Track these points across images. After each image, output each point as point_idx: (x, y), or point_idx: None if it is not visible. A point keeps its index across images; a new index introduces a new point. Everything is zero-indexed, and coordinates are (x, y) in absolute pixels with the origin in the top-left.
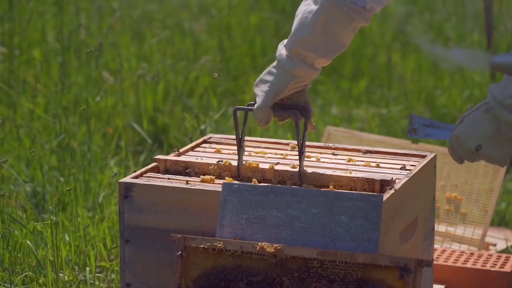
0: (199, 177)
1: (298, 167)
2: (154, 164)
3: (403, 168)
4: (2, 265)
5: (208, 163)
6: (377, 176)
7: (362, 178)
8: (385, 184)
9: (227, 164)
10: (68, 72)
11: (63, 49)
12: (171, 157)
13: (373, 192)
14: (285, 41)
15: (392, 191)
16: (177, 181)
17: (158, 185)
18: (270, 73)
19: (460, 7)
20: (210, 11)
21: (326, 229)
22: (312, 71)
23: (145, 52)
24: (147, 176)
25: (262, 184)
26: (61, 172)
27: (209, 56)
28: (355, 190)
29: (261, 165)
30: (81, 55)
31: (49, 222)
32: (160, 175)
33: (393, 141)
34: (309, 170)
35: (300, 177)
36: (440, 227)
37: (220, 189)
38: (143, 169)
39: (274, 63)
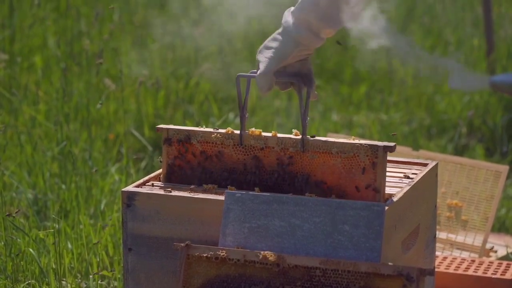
0: (202, 151)
1: (301, 134)
2: (156, 172)
3: (405, 176)
4: (5, 273)
5: (210, 131)
6: (380, 143)
7: (365, 144)
8: (388, 150)
9: (229, 132)
10: (69, 79)
11: (64, 55)
12: (174, 126)
13: (376, 158)
14: (292, 8)
15: (395, 199)
16: (180, 190)
17: (161, 194)
18: (274, 39)
19: (460, 11)
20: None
21: (328, 238)
22: (317, 40)
23: (146, 58)
24: (150, 185)
25: (264, 193)
26: (62, 179)
27: (209, 63)
28: (357, 156)
29: (264, 133)
30: (82, 61)
31: (52, 230)
32: (163, 184)
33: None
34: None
35: (303, 144)
36: (441, 234)
37: (222, 198)
38: (146, 178)
39: (279, 30)
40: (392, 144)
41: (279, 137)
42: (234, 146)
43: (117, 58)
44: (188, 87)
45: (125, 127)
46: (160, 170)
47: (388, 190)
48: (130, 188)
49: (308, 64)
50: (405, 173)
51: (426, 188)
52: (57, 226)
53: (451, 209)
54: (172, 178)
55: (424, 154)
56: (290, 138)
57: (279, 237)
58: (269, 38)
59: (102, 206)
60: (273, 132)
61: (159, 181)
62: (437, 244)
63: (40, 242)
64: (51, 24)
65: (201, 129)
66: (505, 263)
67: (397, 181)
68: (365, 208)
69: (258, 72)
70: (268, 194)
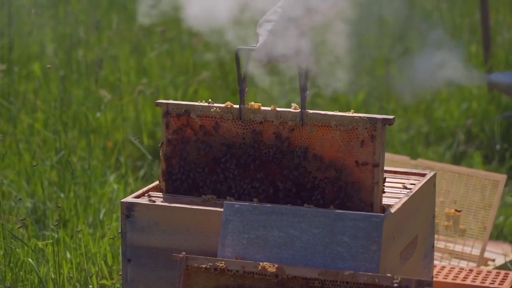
0: (202, 126)
1: (299, 108)
2: (155, 183)
3: (403, 187)
4: (4, 283)
5: (210, 106)
6: (379, 116)
7: (364, 117)
8: (387, 122)
9: (229, 106)
10: (68, 87)
11: (63, 63)
12: (173, 101)
13: (374, 131)
14: None
15: (393, 211)
16: (179, 201)
17: (160, 205)
18: (274, 12)
19: (458, 18)
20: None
21: (327, 249)
22: (315, 15)
23: (145, 66)
24: (149, 196)
25: (263, 204)
26: (61, 188)
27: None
28: (356, 129)
29: (263, 107)
30: (81, 68)
31: (51, 240)
32: (162, 194)
33: (393, 157)
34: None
35: (302, 117)
36: (439, 243)
37: (221, 209)
38: (145, 189)
39: (280, 3)
40: (391, 117)
41: (278, 111)
42: (233, 120)
43: (116, 66)
44: (186, 95)
45: (124, 135)
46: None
47: (386, 201)
48: (129, 199)
49: (306, 38)
50: (403, 183)
51: (424, 199)
52: (56, 235)
53: (449, 218)
54: (171, 154)
55: (422, 163)
56: (289, 111)
57: (278, 248)
58: (269, 12)
59: (101, 216)
60: (272, 106)
61: (158, 191)
62: (435, 253)
63: (39, 252)
64: (49, 31)
65: (200, 103)
66: (503, 272)
67: (395, 192)
68: (364, 219)
69: (258, 44)
70: (267, 205)
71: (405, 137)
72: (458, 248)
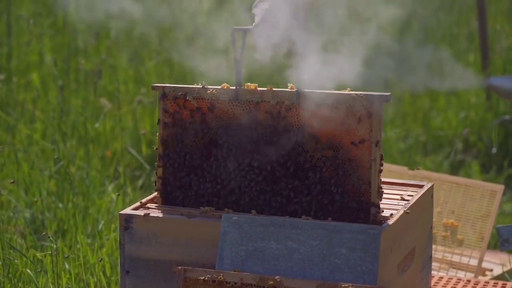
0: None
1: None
2: (153, 195)
3: (401, 198)
4: None
5: (206, 88)
6: (376, 93)
7: (361, 94)
8: (384, 100)
9: (225, 87)
10: (66, 96)
11: (61, 72)
12: (169, 84)
13: (371, 108)
14: None
15: (391, 223)
16: (177, 213)
17: (158, 217)
18: None
19: (455, 26)
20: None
21: (325, 261)
22: None
23: (143, 75)
24: (148, 208)
25: (261, 216)
26: (60, 198)
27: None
28: (353, 107)
29: (259, 88)
30: (79, 77)
31: (50, 252)
32: (161, 206)
33: (390, 168)
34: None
35: (299, 96)
36: (437, 253)
37: (220, 221)
38: (144, 200)
39: None
40: (388, 93)
41: (275, 91)
42: (230, 102)
43: (114, 75)
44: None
45: (122, 144)
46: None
47: (384, 213)
48: (128, 211)
49: (302, 19)
50: (401, 195)
51: (422, 210)
52: (54, 246)
53: (447, 228)
54: (168, 138)
55: (420, 173)
56: (286, 91)
57: (276, 260)
58: None
59: (100, 226)
60: (268, 86)
61: (156, 203)
62: (433, 263)
63: (37, 263)
64: (48, 41)
65: (197, 86)
66: (500, 283)
67: (393, 203)
68: (362, 232)
69: (254, 23)
70: (265, 217)
71: (403, 146)
72: (456, 258)
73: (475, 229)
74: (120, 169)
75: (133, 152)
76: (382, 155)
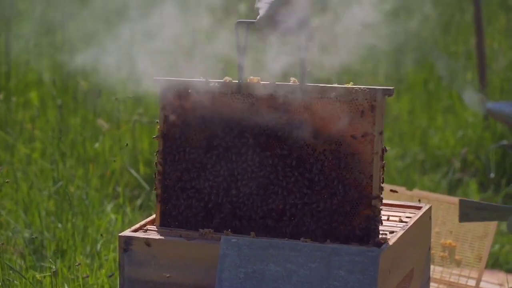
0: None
1: (298, 82)
2: (152, 217)
3: (399, 220)
4: None
5: (208, 81)
6: (379, 87)
7: (364, 88)
8: (386, 93)
9: (227, 81)
10: (65, 116)
11: (60, 91)
12: (171, 78)
13: (374, 101)
14: None
15: (390, 245)
16: (176, 235)
17: (157, 239)
18: None
19: (453, 45)
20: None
21: (324, 283)
22: None
23: (141, 94)
24: (147, 229)
25: (260, 238)
26: (58, 218)
27: None
28: (356, 100)
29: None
30: (78, 95)
31: (49, 274)
32: (160, 228)
33: (389, 188)
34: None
35: (302, 89)
36: (435, 274)
37: (218, 243)
38: (143, 222)
39: None
40: (391, 87)
41: (277, 84)
42: (232, 95)
43: (113, 95)
44: None
45: (121, 163)
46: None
47: (382, 235)
48: (127, 233)
49: (305, 13)
50: (399, 216)
51: (420, 232)
52: (53, 267)
53: (445, 248)
54: (168, 132)
55: (418, 193)
56: (289, 84)
57: (275, 282)
58: None
59: (99, 247)
60: (271, 80)
61: (156, 224)
62: (431, 284)
63: (36, 284)
64: (46, 60)
65: (199, 79)
66: None
67: (391, 225)
68: (360, 254)
69: (259, 16)
70: (264, 239)
71: (401, 165)
72: (454, 278)
73: (473, 249)
74: (119, 189)
75: (133, 172)
76: (384, 148)
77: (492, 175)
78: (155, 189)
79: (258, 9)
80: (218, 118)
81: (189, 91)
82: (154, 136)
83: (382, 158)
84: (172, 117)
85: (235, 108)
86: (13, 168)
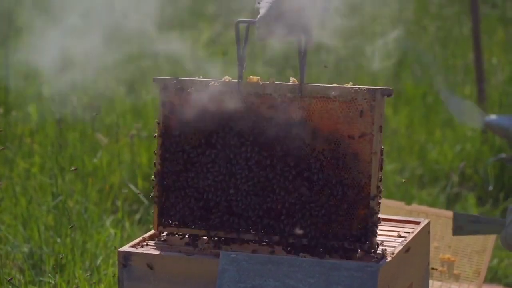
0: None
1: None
2: (151, 232)
3: (398, 235)
4: None
5: (208, 80)
6: (378, 87)
7: (363, 88)
8: (385, 94)
9: (227, 80)
10: (64, 130)
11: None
12: (170, 77)
13: (374, 101)
14: None
15: (388, 260)
16: (175, 250)
17: (157, 254)
18: None
19: (451, 59)
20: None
21: None
22: None
23: (140, 108)
24: (146, 245)
25: (259, 254)
26: (57, 232)
27: None
28: (355, 100)
29: (262, 81)
30: (77, 110)
31: None
32: (159, 243)
33: (388, 203)
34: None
35: (301, 89)
36: None
37: (218, 259)
38: (142, 237)
39: None
40: (389, 88)
41: (277, 84)
42: (232, 94)
43: (112, 109)
44: None
45: (120, 178)
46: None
47: (381, 250)
48: (126, 248)
49: (306, 14)
50: (398, 231)
51: (418, 247)
52: (53, 282)
53: (444, 263)
54: (168, 131)
55: (417, 208)
56: (288, 84)
57: None
58: None
59: (98, 261)
60: (270, 79)
61: (155, 239)
62: None
63: None
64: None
65: (198, 78)
66: None
67: (390, 240)
68: (359, 269)
69: (259, 16)
70: (263, 255)
71: (399, 179)
72: None
73: (471, 264)
74: (118, 203)
75: (132, 186)
76: (382, 148)
77: (490, 188)
78: (153, 188)
79: (258, 8)
80: (218, 117)
81: (189, 90)
82: (155, 135)
83: (381, 158)
84: (172, 116)
85: (235, 107)
86: (12, 182)
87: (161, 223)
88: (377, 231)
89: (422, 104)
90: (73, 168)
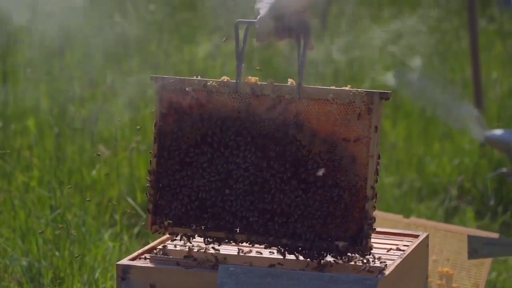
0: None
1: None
2: (150, 245)
3: (397, 249)
4: None
5: (205, 80)
6: (376, 90)
7: (361, 91)
8: (383, 97)
9: (225, 80)
10: (62, 144)
11: (57, 119)
12: (168, 76)
13: (371, 104)
14: None
15: (387, 273)
16: (173, 263)
17: (156, 268)
18: None
19: (449, 73)
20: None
21: None
22: None
23: (139, 121)
24: (145, 258)
25: (258, 267)
26: (56, 246)
27: None
28: (353, 103)
29: (260, 81)
30: (75, 123)
31: None
32: (158, 256)
33: (386, 216)
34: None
35: (299, 91)
36: None
37: (217, 272)
38: (140, 250)
39: None
40: (388, 91)
41: (275, 85)
42: (230, 94)
43: (111, 122)
44: None
45: (118, 191)
46: (154, 243)
47: (379, 263)
48: (125, 261)
49: (305, 15)
50: (396, 245)
51: (417, 260)
52: None
53: (442, 276)
54: (164, 130)
55: (415, 221)
56: (286, 85)
57: None
58: None
59: (96, 275)
60: (269, 80)
61: (154, 253)
62: None
63: None
64: (43, 87)
65: (196, 78)
66: None
67: (388, 254)
68: (358, 282)
69: (259, 17)
70: (262, 268)
71: (397, 193)
72: None
73: (470, 277)
74: (116, 217)
75: (130, 200)
76: (379, 155)
77: (491, 203)
78: (148, 187)
79: (258, 9)
80: (215, 117)
81: (187, 89)
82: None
83: (377, 162)
84: (169, 114)
85: (232, 108)
86: (11, 196)
87: (155, 223)
88: (372, 233)
89: (420, 118)
90: (69, 186)
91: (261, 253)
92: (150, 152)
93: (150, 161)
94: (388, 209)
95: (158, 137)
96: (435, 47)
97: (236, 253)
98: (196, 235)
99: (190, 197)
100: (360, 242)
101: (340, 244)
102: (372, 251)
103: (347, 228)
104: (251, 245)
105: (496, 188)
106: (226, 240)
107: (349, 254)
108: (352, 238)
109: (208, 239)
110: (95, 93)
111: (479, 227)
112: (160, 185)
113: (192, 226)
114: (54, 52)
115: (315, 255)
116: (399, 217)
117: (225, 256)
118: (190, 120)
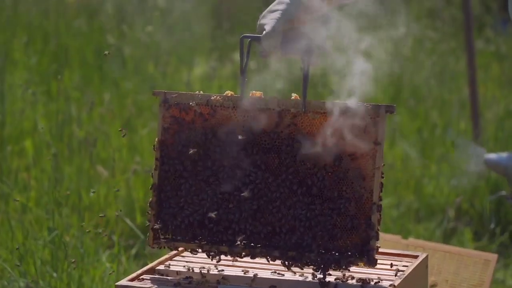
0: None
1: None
2: (149, 266)
3: (396, 269)
4: None
5: (209, 94)
6: (382, 104)
7: (367, 104)
8: (389, 110)
9: (229, 94)
10: (60, 165)
11: (55, 140)
12: (171, 91)
13: (377, 117)
14: None
15: None
16: (171, 284)
17: None
18: (280, 2)
19: (447, 94)
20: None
21: None
22: (321, 2)
23: (136, 143)
24: (144, 279)
25: (257, 287)
26: (54, 267)
27: None
28: (359, 116)
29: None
30: (73, 144)
31: None
32: (157, 277)
33: (385, 237)
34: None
35: (305, 104)
36: None
37: None
38: (140, 271)
39: None
40: (392, 104)
41: (280, 99)
42: (233, 108)
43: (108, 143)
44: None
45: (116, 212)
46: (154, 263)
47: (379, 283)
48: (124, 282)
49: (311, 32)
50: (396, 265)
51: (416, 281)
52: None
53: None
54: (165, 144)
55: (414, 242)
56: (291, 99)
57: None
58: (274, 3)
59: None
60: (273, 95)
61: (152, 273)
62: None
63: None
64: (41, 108)
65: (200, 93)
66: None
67: (388, 274)
68: None
69: (264, 32)
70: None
71: (395, 214)
72: None
73: None
74: (114, 238)
75: (128, 221)
76: (383, 164)
77: (492, 225)
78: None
79: (263, 25)
80: (219, 132)
81: (190, 104)
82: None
83: (382, 174)
84: (171, 129)
85: (236, 122)
86: (8, 217)
87: (157, 238)
88: (378, 247)
89: (418, 139)
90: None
91: (262, 274)
92: (151, 174)
93: (152, 174)
94: (386, 230)
95: (160, 152)
96: (432, 68)
97: (237, 274)
98: (199, 249)
99: (192, 211)
100: (366, 254)
101: (346, 257)
102: (371, 272)
103: (352, 240)
104: (253, 258)
105: (494, 210)
106: (229, 255)
107: (355, 265)
108: (359, 250)
109: (211, 253)
110: (92, 114)
111: (477, 248)
112: (162, 199)
113: (195, 241)
114: (53, 73)
115: (321, 267)
116: (397, 237)
117: (225, 277)
118: (193, 134)
